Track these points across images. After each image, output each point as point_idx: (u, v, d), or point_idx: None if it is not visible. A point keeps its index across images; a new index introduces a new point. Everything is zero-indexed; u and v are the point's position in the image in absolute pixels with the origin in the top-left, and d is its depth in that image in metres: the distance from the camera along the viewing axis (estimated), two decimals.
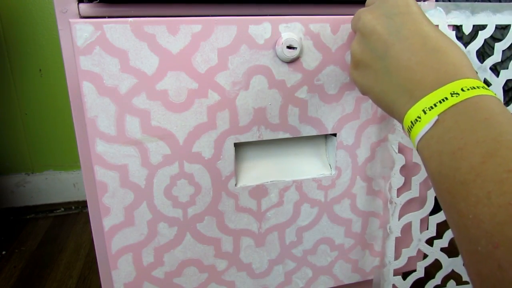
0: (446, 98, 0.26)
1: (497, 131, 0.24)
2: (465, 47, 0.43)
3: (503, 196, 0.21)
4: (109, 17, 0.38)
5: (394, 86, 0.30)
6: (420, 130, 0.27)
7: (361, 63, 0.33)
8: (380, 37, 0.31)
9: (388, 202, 0.46)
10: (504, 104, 0.46)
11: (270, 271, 0.47)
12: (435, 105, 0.26)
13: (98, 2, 0.39)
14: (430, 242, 0.49)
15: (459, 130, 0.25)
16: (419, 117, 0.27)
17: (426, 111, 0.27)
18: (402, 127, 0.30)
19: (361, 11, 0.34)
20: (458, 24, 0.42)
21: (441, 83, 0.27)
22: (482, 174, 0.23)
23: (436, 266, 0.50)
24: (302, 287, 0.49)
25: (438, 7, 0.41)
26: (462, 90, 0.26)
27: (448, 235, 0.49)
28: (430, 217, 0.48)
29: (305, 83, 0.40)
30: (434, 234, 0.49)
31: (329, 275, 0.49)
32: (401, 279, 0.49)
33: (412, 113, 0.28)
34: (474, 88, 0.26)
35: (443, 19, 0.41)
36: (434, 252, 0.49)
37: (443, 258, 0.50)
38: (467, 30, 0.43)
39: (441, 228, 0.49)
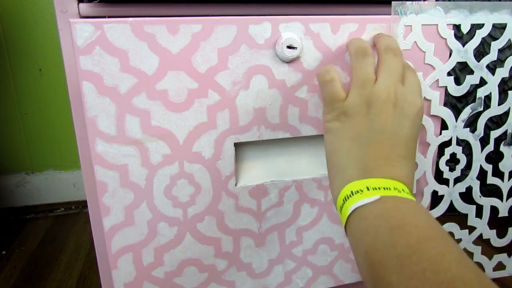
0: (389, 189, 0.29)
1: (434, 223, 0.28)
2: (463, 46, 0.43)
3: (437, 275, 0.23)
4: (109, 17, 0.38)
5: (358, 156, 0.32)
6: (359, 200, 0.29)
7: (352, 119, 0.34)
8: (389, 117, 0.33)
9: None
10: (500, 102, 0.47)
11: (270, 271, 0.47)
12: (379, 188, 0.29)
13: (98, 2, 0.39)
14: None
15: (399, 212, 0.28)
16: (361, 190, 0.30)
17: (370, 189, 0.30)
18: (332, 192, 0.33)
19: (390, 79, 0.34)
20: (457, 23, 0.43)
21: (393, 177, 0.31)
22: (418, 252, 0.25)
23: None
24: (302, 287, 0.49)
25: (437, 6, 0.41)
26: (403, 190, 0.30)
27: None
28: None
29: (305, 83, 0.40)
30: None
31: (329, 275, 0.49)
32: None
33: (356, 185, 0.30)
34: (409, 193, 0.30)
35: (442, 18, 0.41)
36: None
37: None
38: (465, 29, 0.43)
39: None
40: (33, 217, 1.07)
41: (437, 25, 0.42)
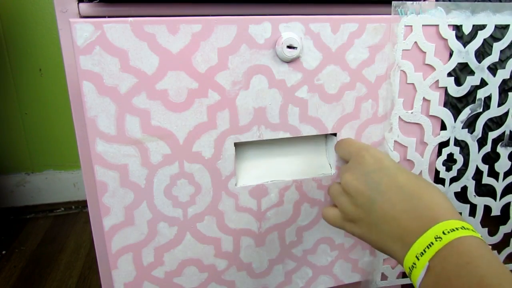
0: (432, 243, 0.29)
1: (478, 276, 0.26)
2: (464, 47, 0.43)
3: None
4: (109, 16, 0.38)
5: (387, 235, 0.33)
6: (418, 276, 0.29)
7: (353, 218, 0.36)
8: (364, 194, 0.35)
9: None
10: (500, 103, 0.47)
11: (270, 270, 0.47)
12: (424, 250, 0.29)
13: (98, 2, 0.39)
14: None
15: (446, 277, 0.27)
16: (415, 264, 0.30)
17: (419, 257, 0.29)
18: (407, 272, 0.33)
19: (342, 174, 0.38)
20: (458, 24, 0.42)
21: (424, 228, 0.30)
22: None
23: None
24: (302, 287, 0.49)
25: (438, 7, 0.41)
26: (443, 233, 0.29)
27: None
28: None
29: (305, 83, 0.40)
30: None
31: (329, 274, 0.49)
32: (390, 268, 0.50)
33: (408, 260, 0.31)
34: (454, 230, 0.29)
35: (443, 19, 0.41)
36: None
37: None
38: (466, 30, 0.43)
39: None
40: (33, 217, 1.07)
41: (438, 25, 0.42)
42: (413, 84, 0.43)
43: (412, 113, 0.44)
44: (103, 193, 0.38)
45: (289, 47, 0.38)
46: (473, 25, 0.43)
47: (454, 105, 0.88)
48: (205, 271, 0.44)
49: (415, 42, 0.42)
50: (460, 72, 0.85)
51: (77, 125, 0.41)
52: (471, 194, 0.49)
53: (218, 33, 0.36)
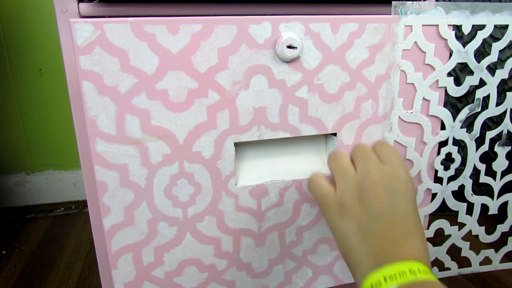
0: (405, 273, 0.30)
1: None
2: (464, 47, 0.43)
3: None
4: (109, 16, 0.38)
5: (368, 247, 0.33)
6: None
7: (349, 212, 0.35)
8: (381, 200, 0.34)
9: None
10: (498, 103, 0.47)
11: (270, 270, 0.47)
12: (395, 275, 0.30)
13: (98, 2, 0.39)
14: None
15: None
16: (380, 283, 0.30)
17: (387, 279, 0.30)
18: (358, 284, 0.33)
19: (368, 164, 0.36)
20: (458, 24, 0.43)
21: (405, 257, 0.31)
22: None
23: None
24: (302, 287, 0.49)
25: (438, 7, 0.41)
26: (418, 270, 0.30)
27: (434, 226, 0.51)
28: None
29: (305, 83, 0.40)
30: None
31: (329, 274, 0.49)
32: None
33: (373, 277, 0.31)
34: (426, 271, 0.30)
35: (443, 19, 0.41)
36: None
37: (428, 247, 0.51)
38: (466, 30, 0.43)
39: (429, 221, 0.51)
40: (33, 217, 1.07)
41: (437, 25, 0.42)
42: (413, 84, 0.43)
43: (412, 113, 0.44)
44: (103, 193, 0.38)
45: (289, 47, 0.38)
46: (473, 25, 0.43)
47: (454, 105, 0.88)
48: (205, 271, 0.44)
49: (415, 42, 0.42)
50: (460, 72, 0.85)
51: (77, 125, 0.41)
52: (468, 192, 0.50)
53: (218, 33, 0.36)
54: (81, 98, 0.36)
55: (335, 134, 0.43)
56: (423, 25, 0.41)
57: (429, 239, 0.51)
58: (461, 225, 0.51)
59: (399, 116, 0.44)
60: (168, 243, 0.42)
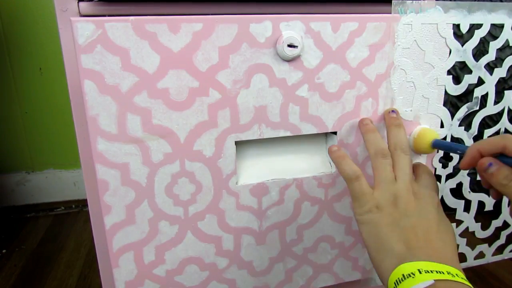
0: (442, 273, 0.30)
1: None
2: (462, 46, 0.43)
3: None
4: (109, 15, 0.38)
5: (400, 236, 0.34)
6: (414, 285, 0.29)
7: (385, 210, 0.36)
8: (413, 205, 0.36)
9: None
10: (496, 101, 0.48)
11: (271, 269, 0.47)
12: (431, 271, 0.29)
13: (98, 1, 0.39)
14: None
15: None
16: (413, 274, 0.30)
17: (422, 272, 0.30)
18: (381, 277, 0.33)
19: (406, 177, 0.38)
20: (457, 23, 0.43)
21: (443, 261, 0.31)
22: None
23: None
24: (302, 285, 0.49)
25: (437, 6, 0.41)
26: (457, 275, 0.30)
27: None
28: None
29: (306, 82, 0.40)
30: None
31: (329, 273, 0.50)
32: None
33: (406, 268, 0.30)
34: (463, 278, 0.30)
35: (442, 18, 0.42)
36: None
37: None
38: (464, 28, 0.43)
39: None
40: (33, 216, 1.07)
41: (437, 24, 0.42)
42: (412, 82, 0.43)
43: (411, 111, 0.44)
44: (104, 191, 0.38)
45: (290, 46, 0.38)
46: (471, 24, 0.43)
47: (454, 104, 0.88)
48: (206, 269, 0.44)
49: (415, 41, 0.42)
50: (461, 71, 0.85)
51: (77, 124, 0.41)
52: (466, 190, 0.50)
53: (219, 32, 0.36)
54: (81, 97, 0.36)
55: (335, 133, 0.44)
56: (422, 23, 0.41)
57: None
58: (459, 222, 0.52)
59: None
60: (169, 242, 0.42)
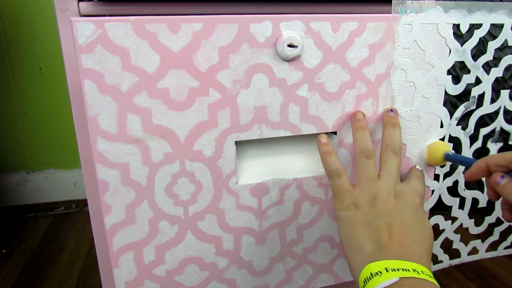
0: (408, 270, 0.30)
1: None
2: (462, 46, 0.44)
3: None
4: (109, 15, 0.38)
5: (372, 235, 0.35)
6: (379, 283, 0.30)
7: (361, 209, 0.37)
8: (391, 205, 0.37)
9: None
10: (492, 100, 0.48)
11: (271, 269, 0.47)
12: (398, 269, 0.30)
13: (98, 1, 0.39)
14: None
15: None
16: (380, 272, 0.30)
17: (389, 270, 0.30)
18: (353, 275, 0.34)
19: (389, 178, 0.39)
20: (457, 23, 0.43)
21: (411, 259, 0.32)
22: None
23: None
24: (302, 285, 0.49)
25: (437, 6, 0.41)
26: (423, 272, 0.31)
27: (431, 222, 0.51)
28: None
29: (306, 82, 0.40)
30: None
31: (329, 272, 0.50)
32: None
33: (374, 266, 0.31)
34: (429, 275, 0.31)
35: (442, 18, 0.42)
36: None
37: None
38: (464, 28, 0.43)
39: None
40: (33, 216, 1.07)
41: (437, 24, 0.42)
42: (412, 82, 0.43)
43: (411, 110, 0.44)
44: (104, 191, 0.38)
45: (290, 45, 0.38)
46: (471, 24, 0.43)
47: (454, 104, 0.88)
48: (206, 269, 0.44)
49: (415, 41, 0.42)
50: (461, 71, 0.85)
51: (77, 124, 0.41)
52: (461, 188, 0.51)
53: (219, 32, 0.36)
54: (81, 97, 0.36)
55: (335, 133, 0.44)
56: (422, 23, 0.41)
57: None
58: (454, 219, 0.53)
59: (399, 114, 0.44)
60: (169, 242, 0.42)
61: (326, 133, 0.45)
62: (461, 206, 0.52)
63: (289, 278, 0.48)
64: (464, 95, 0.85)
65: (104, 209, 0.39)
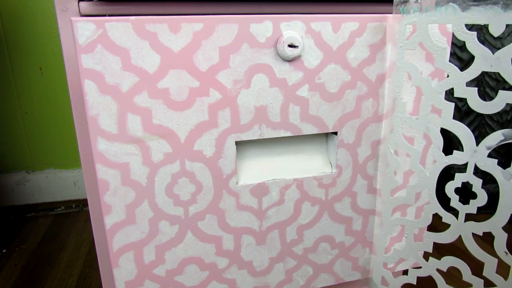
0: None
1: None
2: (493, 52, 0.33)
3: None
4: (109, 15, 0.38)
5: None
6: None
7: None
8: None
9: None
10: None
11: (271, 269, 0.47)
12: None
13: (98, 1, 0.39)
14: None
15: None
16: None
17: None
18: None
19: None
20: (482, 23, 0.33)
21: None
22: None
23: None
24: (302, 285, 0.49)
25: (451, 3, 0.34)
26: None
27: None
28: (425, 206, 0.43)
29: (306, 82, 0.40)
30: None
31: (329, 273, 0.50)
32: (391, 274, 0.50)
33: None
34: None
35: (458, 17, 0.34)
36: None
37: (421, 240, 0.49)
38: (496, 30, 0.31)
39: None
40: (33, 216, 1.07)
41: (450, 25, 0.38)
42: (419, 87, 0.40)
43: (417, 119, 0.40)
44: (104, 191, 0.38)
45: (290, 46, 0.38)
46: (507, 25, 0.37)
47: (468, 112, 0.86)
48: (206, 269, 0.44)
49: (418, 41, 0.41)
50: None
51: (77, 124, 0.41)
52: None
53: (220, 32, 0.36)
54: (82, 96, 0.36)
55: (335, 133, 0.44)
56: (428, 23, 0.37)
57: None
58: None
59: (402, 119, 0.42)
60: (169, 242, 0.42)
61: (326, 134, 0.45)
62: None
63: (289, 278, 0.48)
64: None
65: (104, 209, 0.39)
